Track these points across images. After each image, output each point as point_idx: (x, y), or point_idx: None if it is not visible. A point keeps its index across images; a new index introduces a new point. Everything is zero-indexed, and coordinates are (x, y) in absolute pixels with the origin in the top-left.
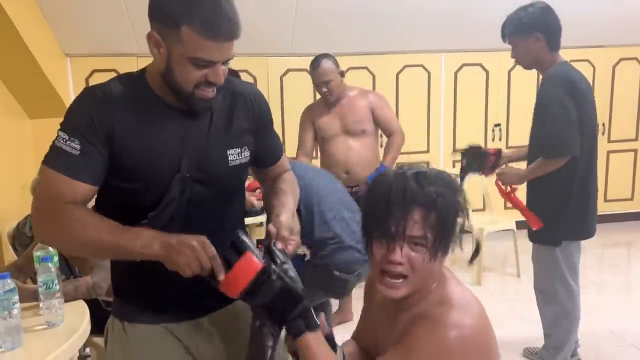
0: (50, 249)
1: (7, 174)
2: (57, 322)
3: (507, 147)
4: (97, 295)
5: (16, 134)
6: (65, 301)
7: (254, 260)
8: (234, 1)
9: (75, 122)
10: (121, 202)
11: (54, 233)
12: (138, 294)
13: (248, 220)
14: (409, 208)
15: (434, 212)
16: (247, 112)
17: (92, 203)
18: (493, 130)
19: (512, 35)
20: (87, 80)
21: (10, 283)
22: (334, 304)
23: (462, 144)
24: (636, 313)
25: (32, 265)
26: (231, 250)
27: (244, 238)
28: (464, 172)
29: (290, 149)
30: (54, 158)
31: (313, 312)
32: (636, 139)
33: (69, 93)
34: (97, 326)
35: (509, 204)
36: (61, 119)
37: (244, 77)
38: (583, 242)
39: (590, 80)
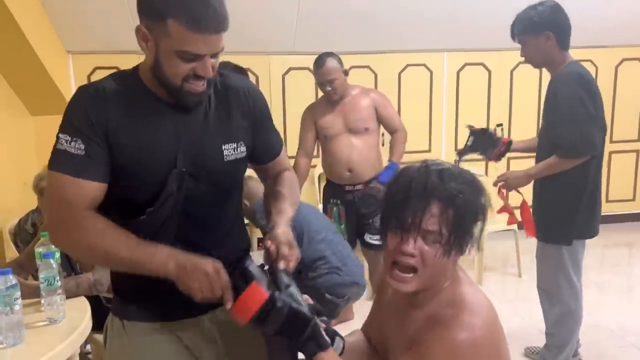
0: (52, 245)
1: (8, 171)
2: (59, 319)
3: None
4: (98, 292)
5: (18, 130)
6: (67, 298)
7: (260, 290)
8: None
9: (74, 123)
10: (119, 199)
11: (69, 240)
12: (137, 292)
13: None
14: (428, 201)
15: (452, 208)
16: (242, 107)
17: None
18: (495, 130)
19: (522, 34)
20: (89, 77)
21: (12, 279)
22: None
23: (464, 143)
24: (637, 313)
25: (33, 262)
26: (240, 278)
27: (251, 267)
28: (465, 150)
29: (292, 147)
30: (60, 161)
31: (322, 331)
32: (638, 140)
33: (71, 90)
34: (98, 323)
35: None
36: None
37: None
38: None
39: None
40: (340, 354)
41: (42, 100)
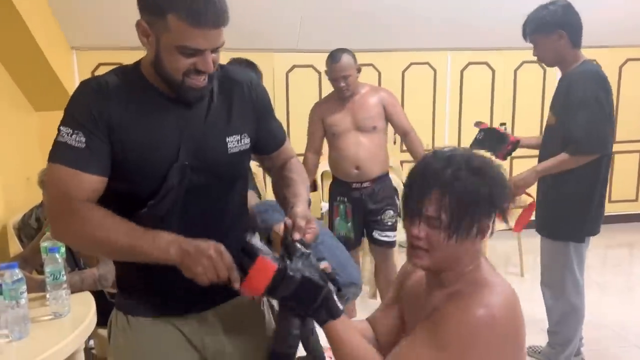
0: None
1: (12, 166)
2: (64, 313)
3: None
4: (102, 287)
5: (22, 126)
6: (71, 292)
7: (268, 263)
8: None
9: (76, 116)
10: (120, 192)
11: (70, 231)
12: (142, 287)
13: None
14: (427, 188)
15: (449, 194)
16: (245, 99)
17: None
18: (505, 128)
19: (534, 34)
20: (92, 73)
21: (18, 273)
22: None
23: (467, 143)
24: (639, 313)
25: (38, 257)
26: (244, 255)
27: (254, 241)
28: (473, 146)
29: (295, 144)
30: (60, 153)
31: (335, 299)
32: None
33: (75, 86)
34: (102, 318)
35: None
36: None
37: None
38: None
39: None
40: None
41: (46, 96)
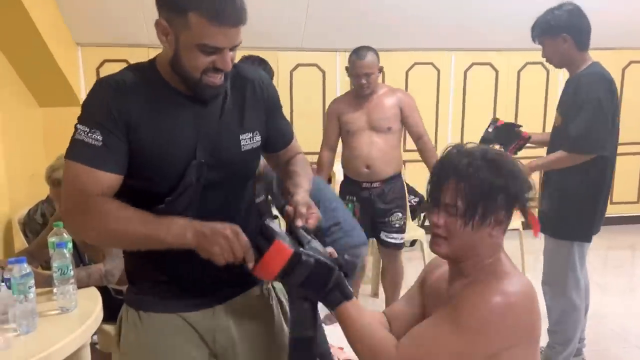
0: (65, 235)
1: (17, 162)
2: (71, 308)
3: None
4: (108, 282)
5: (26, 121)
6: (78, 288)
7: (284, 247)
8: None
9: (94, 114)
10: (137, 189)
11: (86, 226)
12: (155, 283)
13: None
14: (445, 178)
15: (464, 182)
16: (257, 98)
17: None
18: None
19: (541, 37)
20: (97, 70)
21: (26, 267)
22: None
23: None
24: None
25: (43, 252)
26: (261, 237)
27: (272, 225)
28: (484, 140)
29: (299, 142)
30: (78, 151)
31: (345, 282)
32: None
33: (80, 82)
34: (106, 314)
35: None
36: (71, 108)
37: None
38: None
39: None
40: None
41: (50, 92)
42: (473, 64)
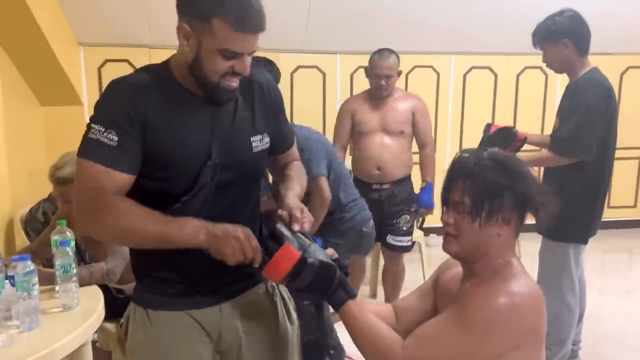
0: (68, 233)
1: (18, 160)
2: (73, 306)
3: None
4: (110, 281)
5: (27, 120)
6: (80, 286)
7: (292, 250)
8: None
9: (110, 114)
10: (151, 189)
11: (100, 225)
12: (163, 280)
13: None
14: (454, 179)
15: (471, 180)
16: (265, 100)
17: None
18: (515, 128)
19: (542, 42)
20: (99, 69)
21: (30, 265)
22: None
23: (468, 146)
24: (636, 318)
25: (45, 250)
26: (271, 240)
27: (283, 230)
28: (483, 144)
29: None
30: (92, 150)
31: (348, 281)
32: None
33: (81, 82)
34: (107, 312)
35: None
36: (73, 107)
37: None
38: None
39: None
40: None
41: (52, 91)
42: (472, 67)
